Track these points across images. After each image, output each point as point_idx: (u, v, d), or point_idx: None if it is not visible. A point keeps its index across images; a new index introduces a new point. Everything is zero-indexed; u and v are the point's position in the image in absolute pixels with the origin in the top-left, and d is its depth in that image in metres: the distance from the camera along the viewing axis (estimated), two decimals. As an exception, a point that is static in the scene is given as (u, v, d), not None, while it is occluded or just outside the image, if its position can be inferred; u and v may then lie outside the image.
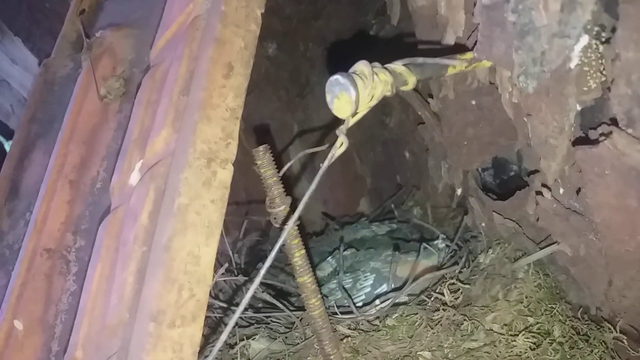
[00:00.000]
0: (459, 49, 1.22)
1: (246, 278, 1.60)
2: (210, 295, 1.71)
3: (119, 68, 1.77)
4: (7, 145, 3.94)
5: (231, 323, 0.93)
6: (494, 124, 1.36)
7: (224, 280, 1.63)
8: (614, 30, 0.88)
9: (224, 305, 1.56)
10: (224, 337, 0.93)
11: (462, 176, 1.57)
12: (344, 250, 1.72)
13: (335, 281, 1.59)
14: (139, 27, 1.84)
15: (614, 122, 0.94)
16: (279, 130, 2.52)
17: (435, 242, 1.64)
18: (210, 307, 1.54)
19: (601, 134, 0.95)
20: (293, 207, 1.29)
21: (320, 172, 1.01)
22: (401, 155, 2.28)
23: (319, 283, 1.68)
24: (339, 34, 2.39)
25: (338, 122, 1.00)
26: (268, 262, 0.98)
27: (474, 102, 1.37)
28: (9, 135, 3.77)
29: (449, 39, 1.29)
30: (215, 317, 1.53)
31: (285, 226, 1.14)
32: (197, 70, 1.23)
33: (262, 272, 0.98)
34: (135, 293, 1.11)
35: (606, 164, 0.95)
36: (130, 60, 1.78)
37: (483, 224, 1.54)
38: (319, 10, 2.38)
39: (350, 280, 1.54)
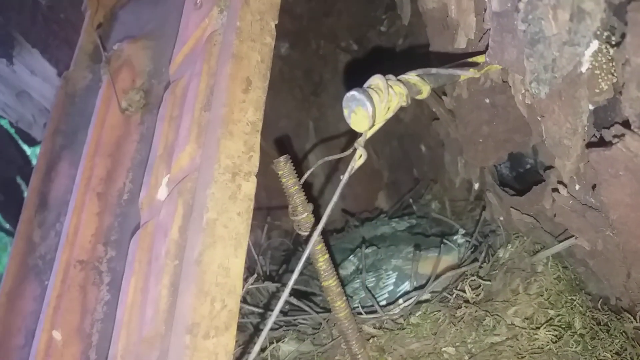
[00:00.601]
0: (471, 52, 1.24)
1: (277, 284, 1.65)
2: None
3: (138, 80, 1.81)
4: (29, 151, 4.06)
5: (264, 333, 0.99)
6: (509, 121, 1.38)
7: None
8: (623, 35, 0.90)
9: (253, 309, 1.61)
10: (257, 347, 0.98)
11: (478, 171, 1.59)
12: (365, 249, 1.76)
13: (358, 280, 1.63)
14: (154, 38, 1.87)
15: (626, 124, 0.96)
16: (295, 128, 2.55)
17: (455, 237, 1.67)
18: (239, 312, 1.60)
19: (614, 136, 0.97)
20: (315, 213, 1.33)
21: (341, 185, 1.05)
22: (417, 149, 2.30)
23: (343, 282, 1.73)
24: (350, 30, 2.40)
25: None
26: (296, 273, 1.03)
27: (487, 101, 1.39)
28: (31, 142, 3.88)
29: (461, 42, 1.31)
30: (245, 321, 1.59)
31: (310, 235, 1.19)
32: (216, 86, 1.27)
33: (291, 283, 1.03)
34: (170, 306, 1.16)
35: (620, 166, 0.97)
36: (148, 72, 1.82)
37: (501, 218, 1.57)
38: (329, 7, 2.39)
39: (373, 279, 1.58)
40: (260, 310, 1.62)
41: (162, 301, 1.18)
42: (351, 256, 1.77)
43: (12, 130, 3.89)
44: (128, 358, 1.23)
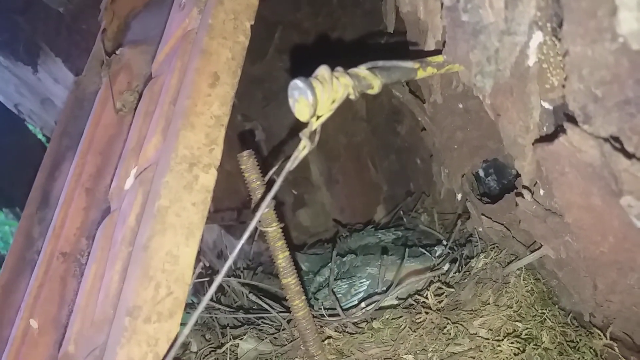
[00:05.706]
0: (435, 52, 1.23)
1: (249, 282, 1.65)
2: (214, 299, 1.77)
3: (134, 82, 1.87)
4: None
5: (197, 312, 0.97)
6: (482, 127, 1.35)
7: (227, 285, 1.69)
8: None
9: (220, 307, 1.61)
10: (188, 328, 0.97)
11: (460, 181, 1.56)
12: (344, 257, 1.74)
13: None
14: (154, 43, 1.93)
15: (571, 119, 0.93)
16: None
17: (435, 247, 1.63)
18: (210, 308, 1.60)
19: (558, 130, 0.94)
20: (278, 211, 1.33)
21: (284, 172, 1.04)
22: (413, 162, 2.28)
23: (319, 287, 1.71)
24: (355, 42, 2.42)
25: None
26: (235, 252, 1.01)
27: (461, 106, 1.37)
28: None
29: (430, 43, 1.30)
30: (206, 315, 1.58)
31: (261, 215, 1.18)
32: (184, 80, 1.29)
33: (227, 264, 1.01)
34: (119, 291, 1.17)
35: (564, 162, 0.93)
36: (144, 75, 1.88)
37: (480, 229, 1.52)
38: (334, 22, 2.42)
39: (346, 285, 1.56)
40: (229, 309, 1.61)
41: (113, 286, 1.19)
42: (330, 263, 1.75)
43: (42, 137, 4.06)
44: (80, 342, 1.24)
